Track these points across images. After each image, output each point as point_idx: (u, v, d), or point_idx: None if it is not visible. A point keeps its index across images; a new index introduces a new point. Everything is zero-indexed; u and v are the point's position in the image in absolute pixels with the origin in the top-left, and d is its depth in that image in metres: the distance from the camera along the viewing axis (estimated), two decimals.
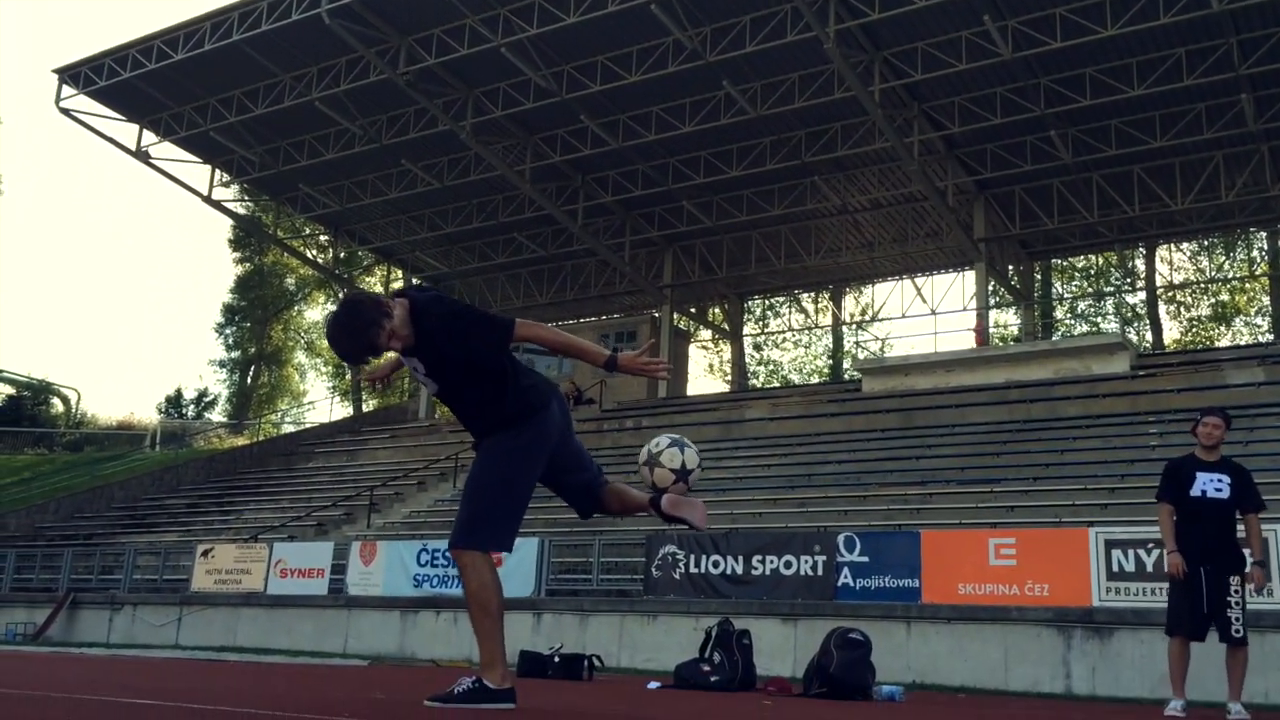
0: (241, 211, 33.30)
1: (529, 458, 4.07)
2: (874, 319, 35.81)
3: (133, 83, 25.43)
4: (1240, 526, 7.35)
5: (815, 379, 40.11)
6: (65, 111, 26.67)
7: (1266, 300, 34.78)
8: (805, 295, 35.60)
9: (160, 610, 19.22)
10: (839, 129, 23.49)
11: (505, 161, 25.50)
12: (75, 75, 26.18)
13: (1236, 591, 7.10)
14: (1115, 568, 11.88)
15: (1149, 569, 11.61)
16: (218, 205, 29.77)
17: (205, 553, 19.40)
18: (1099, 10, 19.01)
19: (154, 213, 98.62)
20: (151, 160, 27.87)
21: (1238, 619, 7.06)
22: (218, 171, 29.15)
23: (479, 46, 21.83)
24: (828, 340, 40.61)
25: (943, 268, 29.61)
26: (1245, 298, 36.77)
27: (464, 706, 3.91)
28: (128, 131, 27.59)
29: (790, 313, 38.53)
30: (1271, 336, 32.18)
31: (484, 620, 4.01)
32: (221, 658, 13.56)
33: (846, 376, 34.27)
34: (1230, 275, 35.75)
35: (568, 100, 23.12)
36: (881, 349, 38.08)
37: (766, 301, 38.14)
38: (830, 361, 40.54)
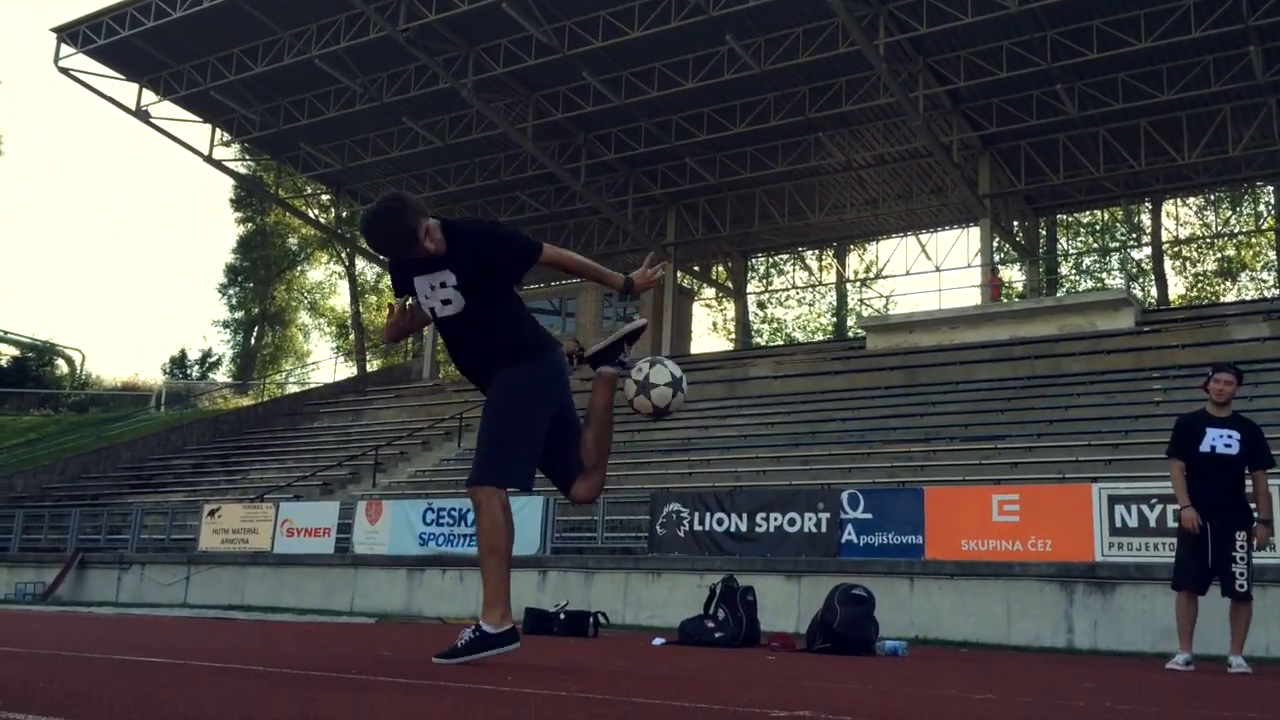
0: (243, 171, 33.17)
1: (543, 394, 4.10)
2: (878, 276, 35.73)
3: (131, 41, 25.22)
4: (1249, 482, 7.36)
5: (819, 337, 40.08)
6: (64, 71, 26.50)
7: (1272, 255, 34.65)
8: (809, 253, 35.49)
9: (168, 569, 19.36)
10: (843, 84, 23.27)
11: (507, 119, 25.31)
12: (74, 34, 25.98)
13: (1242, 547, 7.12)
14: (1118, 523, 11.92)
15: (1152, 524, 11.65)
16: (219, 165, 29.64)
17: (212, 513, 19.51)
18: None
19: (155, 173, 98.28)
20: (151, 120, 27.71)
21: (1242, 574, 7.09)
22: (218, 131, 28.99)
23: (480, 2, 21.61)
24: (831, 298, 40.57)
25: (947, 224, 29.47)
26: (1251, 252, 36.61)
27: (470, 659, 3.92)
28: (127, 91, 27.45)
29: (794, 270, 38.45)
30: (1277, 291, 32.07)
31: (490, 558, 4.03)
32: (229, 616, 13.68)
33: (850, 334, 34.21)
34: (1236, 230, 35.54)
35: (569, 57, 22.90)
36: (885, 306, 38.05)
37: (770, 259, 38.03)
38: (834, 319, 40.50)
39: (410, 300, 4.16)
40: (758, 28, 21.87)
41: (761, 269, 39.12)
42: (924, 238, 30.16)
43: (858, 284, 39.22)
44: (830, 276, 37.48)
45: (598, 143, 26.85)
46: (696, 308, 36.42)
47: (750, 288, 36.65)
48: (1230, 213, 35.46)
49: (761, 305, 42.18)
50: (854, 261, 38.05)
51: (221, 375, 50.82)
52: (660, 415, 4.29)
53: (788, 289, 40.70)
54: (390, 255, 4.17)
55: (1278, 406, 15.81)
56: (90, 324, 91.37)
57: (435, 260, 4.06)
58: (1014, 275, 34.46)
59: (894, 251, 31.48)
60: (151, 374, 52.51)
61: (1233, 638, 7.20)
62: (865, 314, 33.73)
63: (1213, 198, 33.77)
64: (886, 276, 34.43)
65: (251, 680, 3.29)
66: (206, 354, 52.37)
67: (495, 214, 30.33)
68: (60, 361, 50.31)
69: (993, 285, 25.38)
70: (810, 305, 42.53)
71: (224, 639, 6.72)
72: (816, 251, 35.34)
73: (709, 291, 37.75)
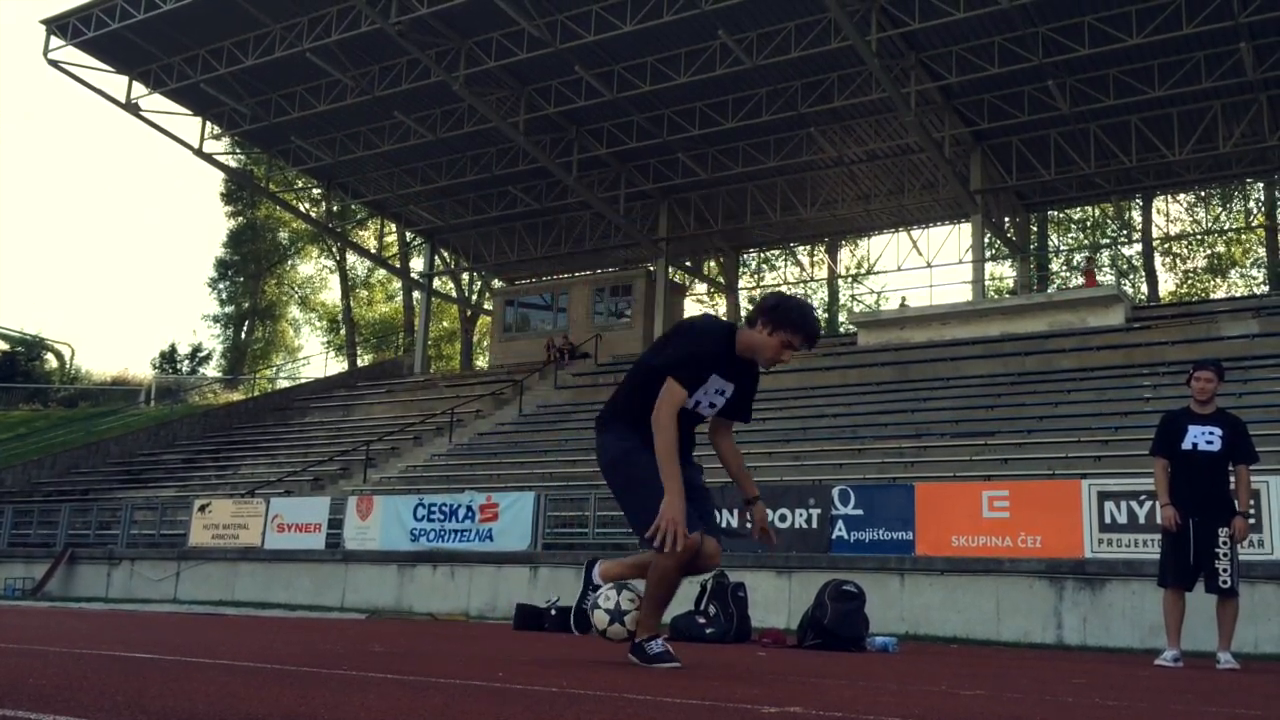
0: (233, 165, 33.05)
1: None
2: (869, 272, 35.80)
3: (121, 33, 25.11)
4: (1232, 478, 7.39)
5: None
6: (54, 63, 26.36)
7: (1262, 252, 34.77)
8: (801, 248, 35.50)
9: (158, 565, 19.32)
10: (835, 79, 23.28)
11: (499, 113, 25.26)
12: (64, 26, 25.85)
13: (1225, 543, 7.15)
14: (1108, 519, 11.96)
15: (1141, 521, 11.69)
16: (209, 158, 29.52)
17: (202, 508, 19.47)
18: None
19: (145, 166, 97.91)
20: (142, 113, 27.59)
21: (1226, 570, 7.12)
22: (209, 124, 28.86)
23: None
24: (823, 293, 40.59)
25: (939, 220, 29.51)
26: (1241, 249, 36.74)
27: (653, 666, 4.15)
28: (117, 83, 27.31)
29: (786, 266, 38.46)
30: (1267, 288, 32.19)
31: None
32: (220, 612, 13.66)
33: (842, 330, 34.27)
34: (1227, 226, 35.66)
35: (561, 51, 22.86)
36: (877, 302, 38.10)
37: (762, 254, 38.04)
38: (826, 315, 40.54)
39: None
40: (750, 22, 21.86)
41: (753, 264, 39.16)
42: (915, 233, 30.20)
43: (849, 279, 39.28)
44: (822, 272, 37.52)
45: (590, 137, 26.82)
46: (688, 303, 36.40)
47: (742, 283, 36.65)
48: (1220, 209, 35.58)
49: (753, 300, 42.20)
50: (845, 257, 38.11)
51: (212, 370, 50.76)
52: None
53: (780, 284, 40.69)
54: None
55: (1267, 403, 15.87)
56: (80, 318, 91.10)
57: (749, 369, 4.40)
58: (1005, 271, 34.55)
59: (885, 247, 31.52)
60: (141, 368, 52.39)
61: (1220, 634, 7.24)
62: (857, 309, 33.83)
63: (1203, 194, 33.86)
64: (878, 272, 34.50)
65: (242, 676, 3.29)
66: (197, 348, 52.32)
67: (487, 209, 30.31)
68: (50, 356, 50.16)
69: (1086, 273, 25.95)
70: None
71: (214, 635, 6.70)
72: (808, 247, 35.36)
73: (700, 287, 37.74)
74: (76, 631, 6.57)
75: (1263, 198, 33.36)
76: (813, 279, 38.56)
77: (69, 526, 21.35)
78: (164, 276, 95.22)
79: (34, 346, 49.02)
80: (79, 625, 7.71)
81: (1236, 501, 7.27)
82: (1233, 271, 37.15)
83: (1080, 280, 36.37)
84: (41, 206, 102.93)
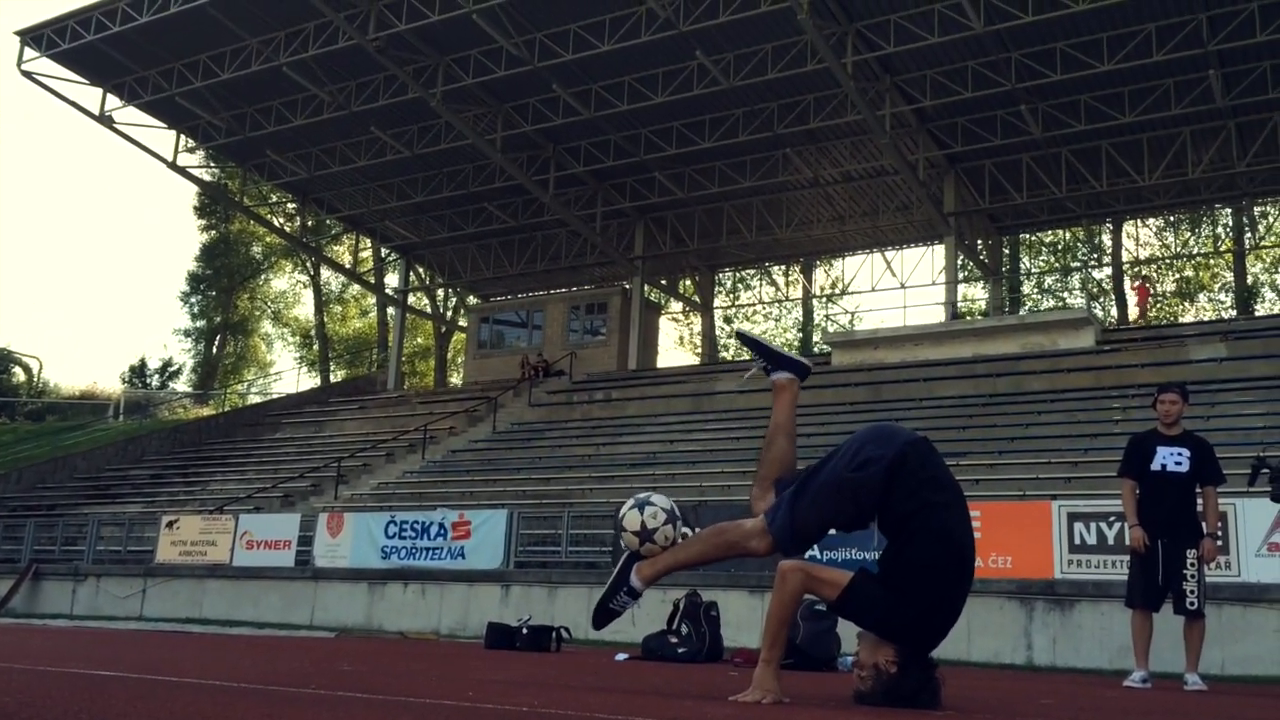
0: (207, 178, 32.87)
1: None
2: (844, 292, 35.97)
3: (96, 45, 24.96)
4: (1200, 499, 7.46)
5: (786, 351, 40.13)
6: (27, 74, 26.16)
7: (1230, 276, 35.20)
8: (776, 268, 35.65)
9: (124, 582, 19.09)
10: (811, 101, 23.45)
11: (476, 130, 25.28)
12: (38, 37, 25.67)
13: (1193, 564, 7.21)
14: (1077, 540, 12.04)
15: (1110, 542, 11.77)
16: (183, 171, 29.35)
17: (170, 524, 19.26)
18: None
19: (118, 179, 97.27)
20: (115, 125, 27.41)
21: (1193, 591, 7.17)
22: (183, 137, 28.73)
23: (450, 13, 21.58)
24: (798, 313, 40.75)
25: (912, 242, 29.73)
26: (1209, 274, 37.19)
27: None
28: (91, 95, 27.15)
29: (761, 285, 38.58)
30: (1234, 313, 32.59)
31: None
32: (186, 629, 13.51)
33: (816, 349, 34.38)
34: (1195, 251, 36.11)
35: (539, 69, 22.92)
36: (851, 322, 38.31)
37: (737, 274, 38.17)
38: (800, 334, 40.68)
39: None
40: (727, 44, 22.01)
41: (729, 284, 39.27)
42: (889, 255, 30.42)
43: (824, 300, 39.45)
44: (797, 292, 37.67)
45: (566, 155, 26.88)
46: (663, 321, 36.49)
47: (717, 302, 36.76)
48: (1189, 234, 36.02)
49: (728, 320, 42.30)
50: (820, 277, 38.29)
51: (182, 385, 50.28)
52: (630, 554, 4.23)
53: (754, 304, 40.88)
54: None
55: (1234, 426, 16.04)
56: (49, 331, 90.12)
57: None
58: (977, 293, 34.81)
59: (860, 268, 31.73)
60: (110, 383, 51.81)
61: (1187, 655, 7.29)
62: (831, 330, 33.94)
63: (1172, 219, 34.30)
64: (852, 293, 34.68)
65: (208, 694, 3.25)
66: (167, 363, 51.81)
67: (463, 225, 30.28)
68: (17, 369, 49.55)
69: (1138, 291, 25.93)
70: (776, 320, 42.73)
71: (181, 653, 6.63)
72: (783, 267, 35.51)
73: (676, 305, 37.82)
74: (40, 649, 6.48)
75: (1230, 223, 33.80)
76: (787, 299, 38.72)
77: (34, 542, 21.06)
78: (135, 290, 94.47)
79: (1, 359, 48.44)
80: (43, 642, 7.61)
81: (1205, 523, 7.34)
82: (1201, 296, 37.60)
83: (1050, 303, 36.77)
84: (11, 217, 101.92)
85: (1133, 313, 31.23)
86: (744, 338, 4.40)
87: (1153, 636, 7.35)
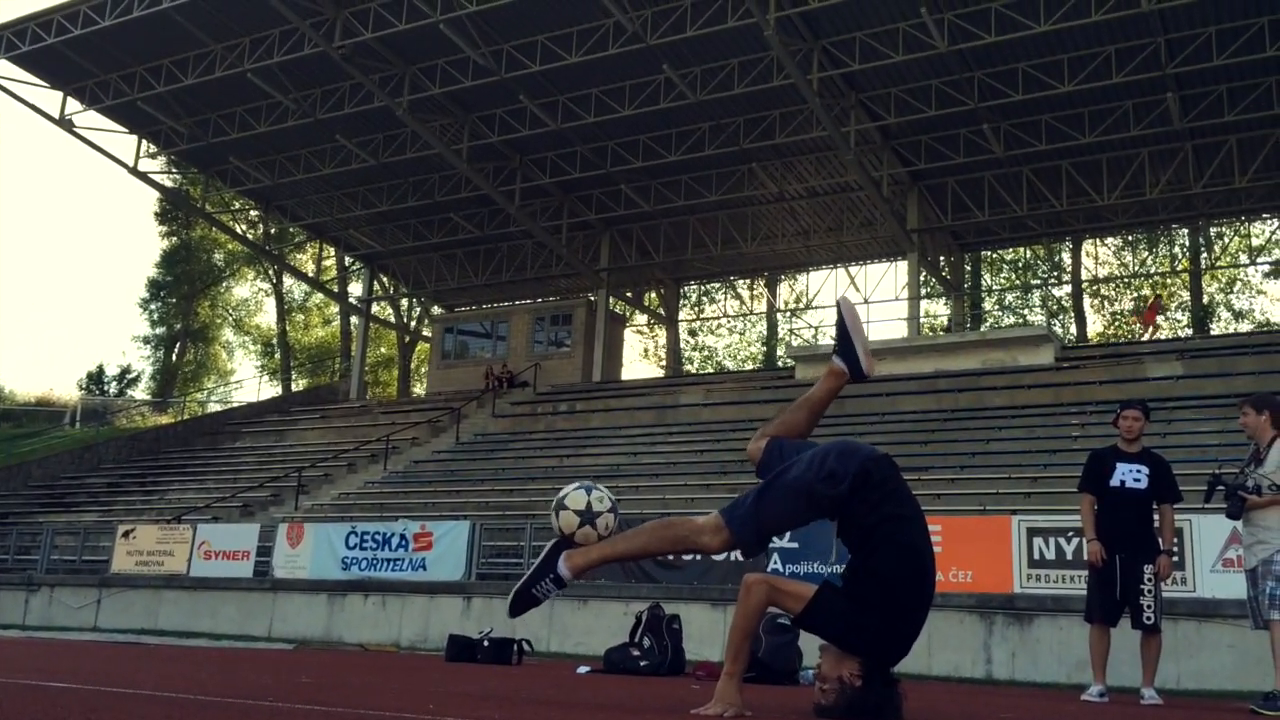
0: (169, 184, 32.52)
1: None
2: (808, 307, 36.19)
3: (57, 48, 24.65)
4: (1157, 516, 7.55)
5: (749, 365, 40.37)
6: None
7: (1187, 296, 35.77)
8: (741, 282, 35.80)
9: (79, 592, 18.79)
10: (777, 116, 23.60)
11: (442, 140, 25.21)
12: None
13: (1150, 580, 7.29)
14: (1036, 555, 12.16)
15: (1069, 557, 11.90)
16: (143, 177, 29.04)
17: (126, 534, 18.99)
18: (1032, 6, 19.32)
19: (77, 183, 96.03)
20: (75, 129, 27.07)
21: (1149, 606, 7.26)
22: (144, 142, 28.43)
23: (417, 22, 21.53)
24: (762, 327, 40.92)
25: (876, 257, 29.98)
26: (1167, 293, 37.75)
27: None
28: (51, 99, 26.80)
29: (725, 299, 38.74)
30: (1190, 331, 33.11)
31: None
32: (142, 641, 13.31)
33: (780, 364, 34.54)
34: (1153, 271, 36.67)
35: (506, 80, 22.91)
36: (815, 337, 38.50)
37: (702, 287, 38.30)
38: (764, 348, 40.85)
39: None
40: (694, 58, 22.12)
41: (693, 297, 39.38)
42: (853, 270, 30.65)
43: (788, 314, 39.65)
44: (761, 306, 37.84)
45: (533, 166, 26.87)
46: (628, 334, 36.53)
47: (682, 315, 36.85)
48: (1147, 254, 36.57)
49: (693, 333, 42.42)
50: (784, 292, 38.49)
51: (140, 392, 49.61)
52: (563, 536, 4.13)
53: (719, 317, 41.02)
54: None
55: (1190, 443, 16.27)
56: (3, 336, 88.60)
57: None
58: (939, 309, 35.13)
59: (824, 283, 31.96)
60: (67, 389, 51.07)
61: (1144, 670, 7.37)
62: (795, 344, 34.12)
63: (1130, 239, 34.82)
64: (816, 307, 34.90)
65: (163, 707, 3.21)
66: (125, 370, 51.08)
67: (428, 235, 30.17)
68: None
69: (1151, 308, 26.06)
70: (741, 334, 42.90)
71: (136, 664, 6.53)
72: (748, 281, 35.66)
73: (641, 318, 37.89)
74: None
75: (1187, 243, 34.36)
76: (752, 312, 38.87)
77: None
78: (93, 296, 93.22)
79: None
80: None
81: (1161, 540, 7.43)
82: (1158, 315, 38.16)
83: (1010, 320, 37.17)
84: None
85: (1144, 330, 31.56)
86: (839, 310, 4.35)
87: (1110, 651, 7.42)
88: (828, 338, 37.98)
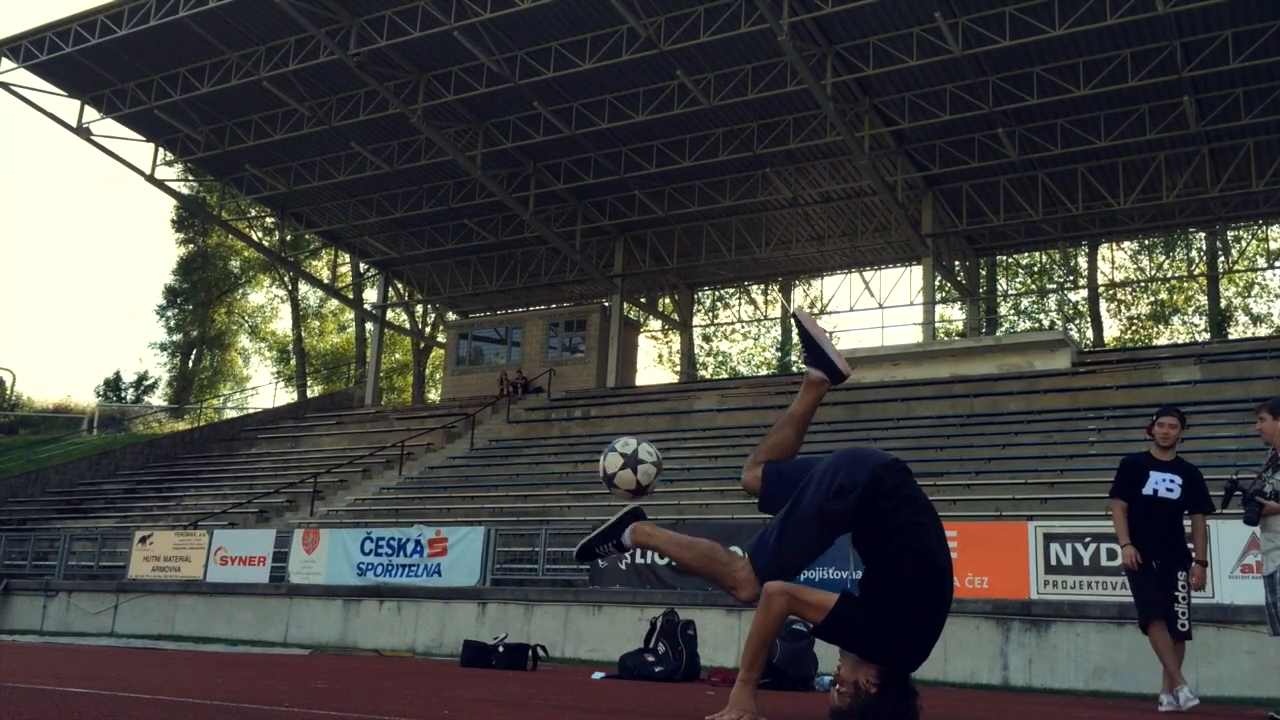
0: (185, 191, 32.74)
1: None
2: (822, 312, 36.06)
3: (75, 58, 24.84)
4: (1188, 524, 7.47)
5: (763, 370, 40.32)
6: (4, 85, 26.01)
7: (1204, 299, 35.56)
8: (755, 287, 35.77)
9: (96, 598, 18.88)
10: (791, 122, 23.59)
11: (456, 147, 25.28)
12: (15, 49, 25.52)
13: (1183, 588, 7.24)
14: (1053, 561, 12.08)
15: (1086, 563, 11.83)
16: (160, 185, 29.21)
17: (143, 539, 19.08)
18: (1047, 10, 19.26)
19: (95, 191, 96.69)
20: (93, 137, 27.27)
21: (1184, 614, 7.20)
22: (161, 150, 28.59)
23: (431, 29, 21.61)
24: (776, 332, 40.84)
25: (890, 262, 29.90)
26: (1183, 297, 37.55)
27: None
28: (69, 107, 27.04)
29: (740, 304, 38.71)
30: (1208, 335, 32.90)
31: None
32: (159, 646, 13.36)
33: (794, 369, 34.48)
34: (1169, 275, 36.49)
35: (520, 86, 22.97)
36: (830, 341, 38.36)
37: (716, 293, 38.27)
38: (778, 353, 40.77)
39: None
40: (708, 64, 22.12)
41: (708, 302, 39.35)
42: (867, 275, 30.56)
43: None
44: (775, 311, 37.77)
45: (547, 172, 26.91)
46: (642, 339, 36.51)
47: (696, 320, 36.82)
48: (1164, 258, 36.38)
49: (707, 338, 42.39)
50: (799, 296, 38.40)
51: (157, 398, 49.87)
52: (640, 493, 4.24)
53: (733, 322, 40.98)
54: None
55: (1207, 449, 16.15)
56: (22, 343, 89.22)
57: None
58: (954, 314, 35.02)
59: (838, 288, 31.90)
60: (84, 396, 51.37)
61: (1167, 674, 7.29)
62: None
63: (1147, 243, 34.64)
64: (830, 312, 34.80)
65: (180, 712, 3.22)
66: (142, 376, 51.40)
67: (443, 241, 30.25)
68: None
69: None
70: (755, 339, 42.84)
71: (152, 669, 6.55)
72: (762, 286, 35.63)
73: (655, 324, 37.86)
74: (9, 665, 6.39)
75: (1204, 247, 34.16)
76: (766, 318, 38.82)
77: (5, 557, 20.80)
78: (110, 303, 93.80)
79: None
80: (12, 658, 7.50)
81: (1194, 549, 7.37)
82: (1175, 318, 37.95)
83: (1026, 325, 37.01)
84: None
85: None
86: (797, 322, 4.40)
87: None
88: (840, 343, 37.91)
